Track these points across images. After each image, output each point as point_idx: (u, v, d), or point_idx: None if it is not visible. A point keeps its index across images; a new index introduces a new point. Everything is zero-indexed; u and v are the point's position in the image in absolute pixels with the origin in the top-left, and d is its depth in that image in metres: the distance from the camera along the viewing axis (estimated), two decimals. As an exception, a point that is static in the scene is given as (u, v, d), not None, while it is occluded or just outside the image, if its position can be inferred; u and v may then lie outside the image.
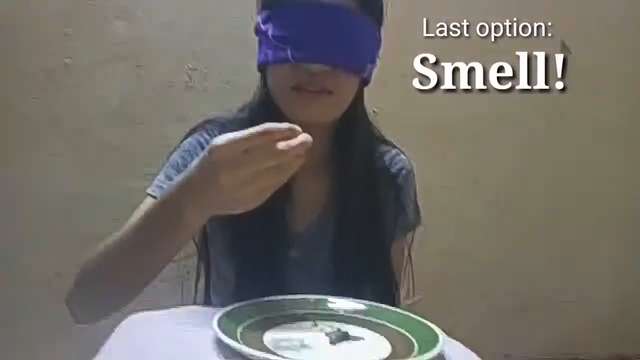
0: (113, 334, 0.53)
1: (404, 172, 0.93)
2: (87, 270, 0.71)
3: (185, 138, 0.87)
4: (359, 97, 0.85)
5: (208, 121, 0.88)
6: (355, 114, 0.85)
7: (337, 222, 0.85)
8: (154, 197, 0.81)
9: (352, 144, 0.86)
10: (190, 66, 1.57)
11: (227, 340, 0.48)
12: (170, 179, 0.82)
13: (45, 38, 1.51)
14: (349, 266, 0.83)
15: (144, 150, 1.55)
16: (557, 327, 1.83)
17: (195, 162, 0.59)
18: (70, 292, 0.73)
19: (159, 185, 0.83)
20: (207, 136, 0.85)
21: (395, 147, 0.96)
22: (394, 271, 0.90)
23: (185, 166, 0.81)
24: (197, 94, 1.56)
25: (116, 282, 0.68)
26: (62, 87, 1.54)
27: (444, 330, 0.54)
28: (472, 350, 0.56)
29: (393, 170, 0.93)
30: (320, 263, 0.84)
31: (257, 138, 0.55)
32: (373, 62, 0.82)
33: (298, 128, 0.56)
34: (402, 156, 0.95)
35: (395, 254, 0.92)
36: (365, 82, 0.84)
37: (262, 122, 0.78)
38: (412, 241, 0.94)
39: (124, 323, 0.55)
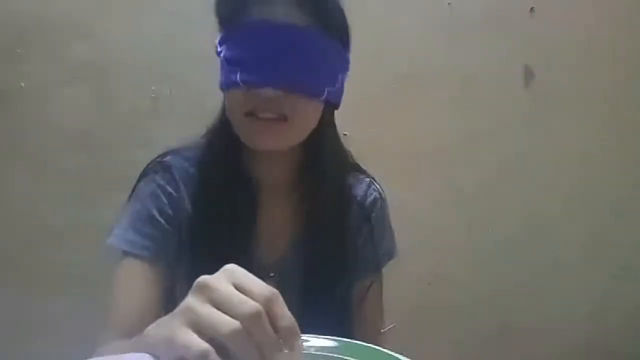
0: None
1: (378, 204, 0.89)
2: None
3: (138, 182, 0.82)
4: (326, 120, 0.80)
5: (160, 160, 0.83)
6: (323, 139, 0.80)
7: (307, 257, 0.81)
8: (127, 252, 0.77)
9: (319, 170, 0.81)
10: (155, 89, 1.52)
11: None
12: (139, 232, 0.78)
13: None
14: (319, 301, 0.79)
15: (104, 178, 1.49)
16: (536, 351, 1.81)
17: None
18: None
19: (131, 240, 0.77)
20: (161, 181, 0.81)
21: (368, 175, 0.92)
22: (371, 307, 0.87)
23: (149, 213, 0.78)
24: (162, 118, 1.51)
25: None
26: (16, 112, 1.48)
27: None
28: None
29: (367, 202, 0.89)
30: (290, 298, 0.80)
31: None
32: (334, 84, 0.75)
33: None
34: (376, 185, 0.91)
35: (374, 289, 0.88)
36: (333, 105, 0.79)
37: (219, 147, 0.79)
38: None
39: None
